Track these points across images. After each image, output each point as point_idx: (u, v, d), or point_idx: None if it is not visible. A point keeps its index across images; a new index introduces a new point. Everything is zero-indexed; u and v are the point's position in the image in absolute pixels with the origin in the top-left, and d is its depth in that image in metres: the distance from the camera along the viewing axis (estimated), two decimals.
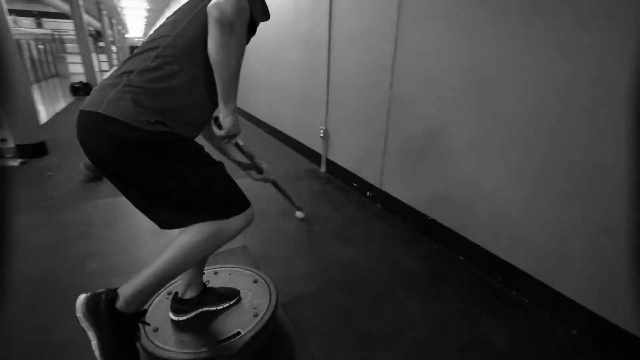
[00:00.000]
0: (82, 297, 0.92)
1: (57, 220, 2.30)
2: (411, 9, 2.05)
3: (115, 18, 19.35)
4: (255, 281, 1.53)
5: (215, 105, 1.04)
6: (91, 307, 0.91)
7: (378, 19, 2.32)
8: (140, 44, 1.01)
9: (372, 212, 2.56)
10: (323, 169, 3.39)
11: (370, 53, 2.46)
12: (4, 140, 3.50)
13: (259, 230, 2.26)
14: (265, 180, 1.59)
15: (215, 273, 1.59)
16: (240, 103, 6.16)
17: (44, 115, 6.40)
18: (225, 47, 0.91)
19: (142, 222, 2.25)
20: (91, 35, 21.04)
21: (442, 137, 1.98)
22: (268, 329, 1.32)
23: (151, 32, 1.09)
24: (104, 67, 17.68)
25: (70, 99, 8.23)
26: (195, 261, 1.07)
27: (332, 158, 3.26)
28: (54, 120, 5.88)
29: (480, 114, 1.74)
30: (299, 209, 2.38)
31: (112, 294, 0.95)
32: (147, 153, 0.90)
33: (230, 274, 1.60)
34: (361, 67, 2.61)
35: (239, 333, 1.23)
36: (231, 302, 1.38)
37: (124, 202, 1.19)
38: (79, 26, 8.49)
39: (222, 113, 1.00)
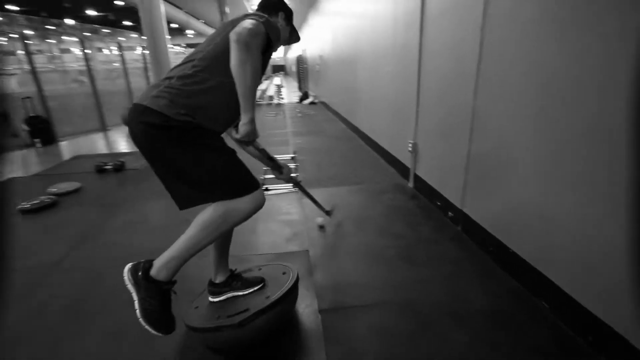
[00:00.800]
0: (128, 265, 1.20)
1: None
2: (496, 21, 1.82)
3: None
4: (283, 273, 1.63)
5: (238, 108, 1.20)
6: (133, 273, 1.17)
7: (462, 30, 2.14)
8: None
9: (449, 234, 2.34)
10: (411, 184, 3.26)
11: (455, 63, 2.28)
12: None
13: (324, 237, 2.36)
14: (287, 181, 1.70)
15: (260, 269, 1.73)
16: (347, 115, 6.41)
17: None
18: (241, 64, 1.10)
19: None
20: None
21: (527, 156, 1.69)
22: (276, 313, 1.42)
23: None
24: None
25: None
26: (211, 239, 1.24)
27: (419, 173, 3.11)
28: None
29: (575, 130, 1.42)
30: (328, 213, 2.34)
31: (148, 264, 1.20)
32: (171, 136, 1.12)
33: (260, 269, 1.72)
34: (446, 78, 2.44)
35: (247, 310, 1.38)
36: (255, 288, 1.52)
37: None
38: None
39: (242, 121, 1.20)
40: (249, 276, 1.58)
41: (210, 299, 1.53)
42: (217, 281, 1.53)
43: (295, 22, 1.52)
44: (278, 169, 1.72)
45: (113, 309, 1.71)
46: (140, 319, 1.14)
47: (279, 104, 10.69)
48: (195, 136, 1.16)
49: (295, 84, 11.73)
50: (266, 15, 1.28)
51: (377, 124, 4.46)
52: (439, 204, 2.70)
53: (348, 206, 2.87)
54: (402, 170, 3.50)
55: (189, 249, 1.20)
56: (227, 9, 9.22)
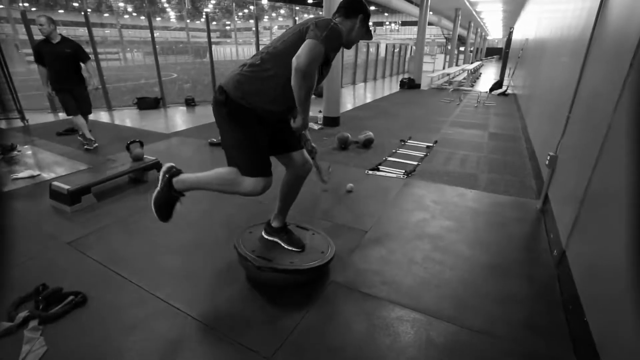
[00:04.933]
0: (168, 164, 1.66)
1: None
2: None
3: (474, 22, 20.71)
4: (322, 252, 1.82)
5: (291, 96, 1.41)
6: (166, 171, 1.63)
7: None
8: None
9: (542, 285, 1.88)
10: (538, 205, 2.64)
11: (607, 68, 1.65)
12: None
13: (391, 223, 2.35)
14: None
15: (313, 234, 2.00)
16: (525, 111, 5.40)
17: (360, 99, 8.62)
18: (298, 88, 1.34)
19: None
20: (447, 39, 23.78)
21: None
22: (288, 278, 1.69)
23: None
24: (446, 67, 19.61)
25: (395, 90, 10.29)
26: (216, 189, 1.57)
27: (551, 195, 2.48)
28: (367, 104, 7.83)
29: None
30: (323, 181, 1.97)
31: (177, 172, 1.62)
32: (226, 112, 1.47)
33: (314, 234, 1.98)
34: (609, 82, 1.80)
35: (270, 261, 1.70)
36: (293, 249, 1.81)
37: None
38: (421, 34, 10.17)
39: (297, 117, 1.47)
40: (296, 237, 1.86)
41: (263, 234, 1.93)
42: (272, 224, 1.90)
43: None
44: (311, 152, 1.79)
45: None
46: (151, 201, 1.65)
47: (460, 90, 9.85)
48: (242, 118, 1.47)
49: (507, 71, 10.30)
50: (335, 20, 1.47)
51: (537, 125, 3.66)
52: (551, 236, 2.14)
53: (447, 208, 2.66)
54: (540, 185, 2.84)
55: (199, 184, 1.59)
56: None
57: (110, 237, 2.20)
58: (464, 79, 11.40)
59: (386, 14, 36.32)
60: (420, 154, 3.93)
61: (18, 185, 2.98)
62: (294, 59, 1.29)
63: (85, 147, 3.93)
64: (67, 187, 2.52)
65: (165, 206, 1.66)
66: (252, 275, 1.78)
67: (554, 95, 3.03)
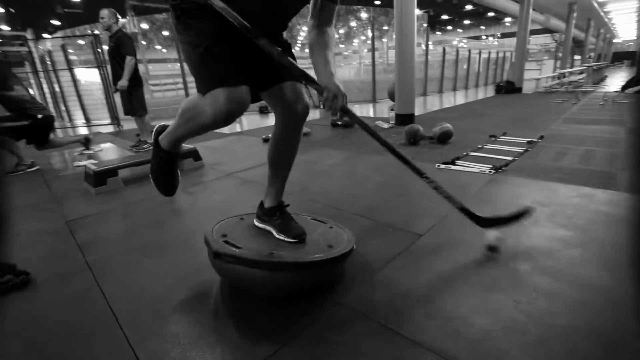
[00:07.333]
0: (157, 126, 1.29)
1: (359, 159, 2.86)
2: None
3: (595, 21, 17.45)
4: (329, 246, 1.21)
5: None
6: (154, 133, 1.28)
7: None
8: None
9: None
10: None
11: None
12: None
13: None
14: (333, 112, 1.13)
15: (331, 227, 1.38)
16: None
17: (444, 103, 7.66)
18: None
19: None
20: (557, 42, 20.36)
21: None
22: (264, 275, 1.09)
23: None
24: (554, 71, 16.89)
25: (491, 94, 8.91)
26: (184, 130, 1.13)
27: None
28: (452, 107, 6.83)
29: None
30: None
31: (161, 128, 1.26)
32: (175, 17, 1.02)
33: (332, 227, 1.37)
34: None
35: (240, 249, 1.13)
36: (286, 239, 1.24)
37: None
38: (522, 30, 8.73)
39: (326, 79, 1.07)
40: (294, 224, 1.29)
41: (254, 221, 1.39)
42: (265, 205, 1.36)
43: None
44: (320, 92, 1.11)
45: None
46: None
47: (577, 92, 7.98)
48: (195, 20, 0.99)
49: None
50: None
51: None
52: None
53: (562, 212, 1.72)
54: None
55: (173, 129, 1.17)
56: None
57: (105, 221, 1.92)
58: (582, 79, 9.34)
59: (482, 27, 33.63)
60: (518, 150, 2.92)
61: (75, 171, 3.04)
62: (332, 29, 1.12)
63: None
64: (94, 168, 2.39)
65: (161, 174, 1.28)
66: (217, 270, 1.21)
67: None
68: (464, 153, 2.87)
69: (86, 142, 3.59)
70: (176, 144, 1.22)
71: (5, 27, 14.10)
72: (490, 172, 2.34)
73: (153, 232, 1.75)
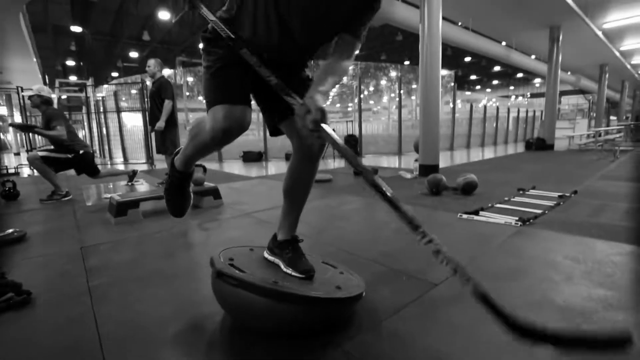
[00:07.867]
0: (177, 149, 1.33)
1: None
2: None
3: (630, 83, 17.24)
4: (337, 287, 1.14)
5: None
6: (172, 155, 1.31)
7: None
8: None
9: None
10: None
11: None
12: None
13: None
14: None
15: (341, 273, 1.30)
16: None
17: (471, 157, 7.56)
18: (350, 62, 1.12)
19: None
20: (589, 101, 19.99)
21: None
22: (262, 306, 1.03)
23: None
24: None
25: (520, 151, 8.73)
26: (193, 148, 1.16)
27: None
28: (480, 160, 6.72)
29: None
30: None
31: (178, 152, 1.28)
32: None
33: (342, 273, 1.29)
34: None
35: (245, 273, 1.10)
36: (293, 273, 1.19)
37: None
38: (552, 87, 8.75)
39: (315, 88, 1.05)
40: (304, 260, 1.24)
41: (265, 253, 1.34)
42: (278, 237, 1.33)
43: None
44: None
45: None
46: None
47: (615, 150, 7.62)
48: (214, 47, 1.07)
49: None
50: None
51: None
52: None
53: (598, 269, 1.55)
54: None
55: (184, 149, 1.21)
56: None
57: (117, 249, 1.94)
58: (620, 137, 8.99)
59: (511, 87, 34.02)
60: (549, 203, 2.75)
61: (101, 202, 3.19)
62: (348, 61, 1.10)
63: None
64: (117, 199, 2.49)
65: (174, 193, 1.30)
66: (217, 294, 1.15)
67: None
68: (489, 204, 2.73)
69: (133, 175, 3.89)
70: (187, 164, 1.25)
71: (73, 78, 16.03)
72: (516, 224, 2.19)
73: (161, 262, 1.74)
